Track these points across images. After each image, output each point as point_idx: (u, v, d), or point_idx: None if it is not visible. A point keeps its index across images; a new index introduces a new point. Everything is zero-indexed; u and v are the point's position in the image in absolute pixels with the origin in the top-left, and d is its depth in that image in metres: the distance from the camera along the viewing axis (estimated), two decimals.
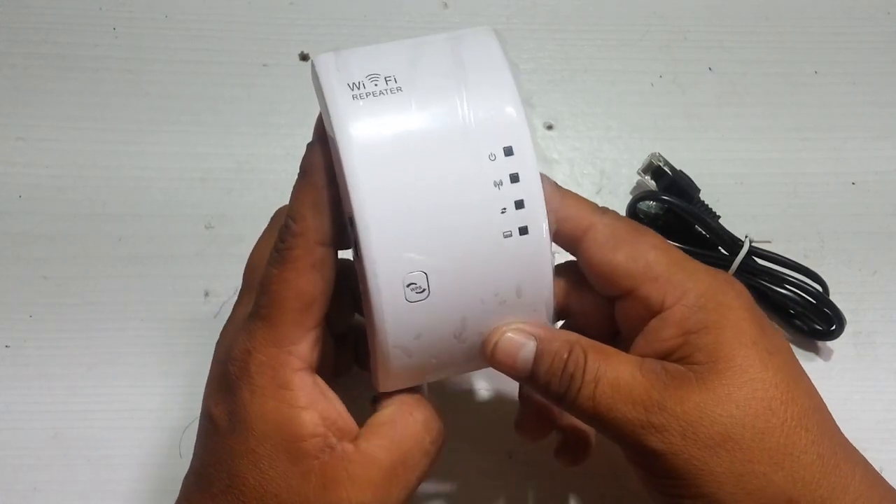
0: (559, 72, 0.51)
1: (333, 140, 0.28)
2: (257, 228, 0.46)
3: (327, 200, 0.29)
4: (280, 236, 0.30)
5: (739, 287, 0.31)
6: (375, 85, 0.28)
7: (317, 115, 0.52)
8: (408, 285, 0.28)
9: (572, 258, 0.33)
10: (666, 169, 0.46)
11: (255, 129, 0.49)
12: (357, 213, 0.28)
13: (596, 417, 0.30)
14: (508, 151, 0.28)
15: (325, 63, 0.29)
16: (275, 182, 0.48)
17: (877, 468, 0.31)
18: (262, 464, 0.29)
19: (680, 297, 0.30)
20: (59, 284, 0.45)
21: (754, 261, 0.44)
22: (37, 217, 0.46)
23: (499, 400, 0.43)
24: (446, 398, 0.43)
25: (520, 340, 0.30)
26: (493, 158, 0.28)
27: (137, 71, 0.50)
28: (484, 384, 0.43)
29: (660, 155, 0.46)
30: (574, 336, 0.31)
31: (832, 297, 0.43)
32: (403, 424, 0.31)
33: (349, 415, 0.31)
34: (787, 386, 0.29)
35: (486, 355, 0.31)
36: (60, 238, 0.46)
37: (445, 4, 0.53)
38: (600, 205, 0.33)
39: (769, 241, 0.46)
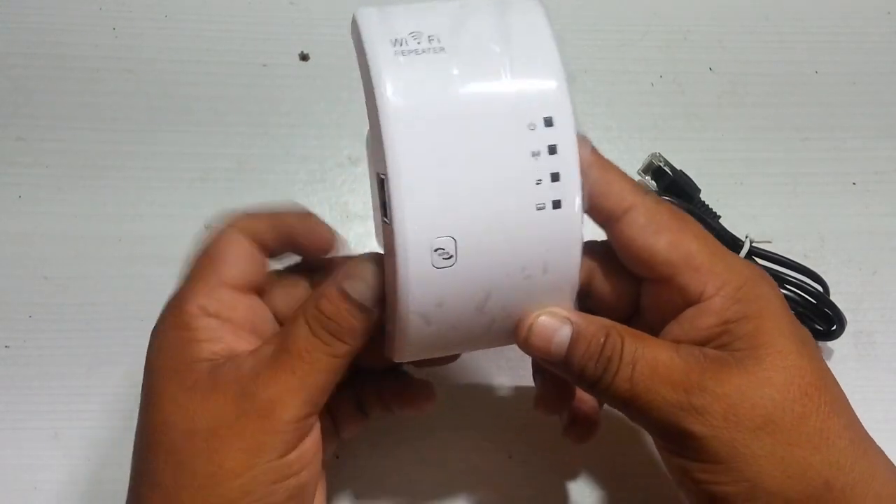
0: None
1: (371, 95, 0.28)
2: None
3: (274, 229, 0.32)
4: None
5: (771, 280, 0.31)
6: (418, 43, 0.28)
7: (316, 114, 0.52)
8: (435, 250, 0.27)
9: (595, 238, 0.33)
10: (666, 169, 0.46)
11: (255, 129, 0.49)
12: (391, 171, 0.27)
13: (633, 401, 0.29)
14: (549, 122, 0.28)
15: (368, 17, 0.28)
16: (275, 182, 0.48)
17: None
18: (154, 397, 0.29)
19: (720, 288, 0.30)
20: (59, 284, 0.45)
21: (755, 261, 0.44)
22: (37, 217, 0.46)
23: (499, 400, 0.43)
24: (447, 399, 0.43)
25: (555, 324, 0.30)
26: (532, 128, 0.28)
27: (137, 71, 0.50)
28: (484, 384, 0.43)
29: (660, 155, 0.46)
30: (609, 322, 0.30)
31: (832, 297, 0.43)
32: (294, 318, 0.30)
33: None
34: (820, 374, 0.30)
35: (519, 339, 0.30)
36: (60, 238, 0.46)
37: None
38: None
39: (769, 241, 0.46)
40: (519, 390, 0.43)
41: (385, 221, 0.28)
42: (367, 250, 0.46)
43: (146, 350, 0.31)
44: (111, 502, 0.41)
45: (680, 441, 0.29)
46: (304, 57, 0.51)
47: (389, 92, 0.27)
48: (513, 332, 0.30)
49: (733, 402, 0.28)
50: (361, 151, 0.49)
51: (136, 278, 0.45)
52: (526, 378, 0.38)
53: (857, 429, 0.30)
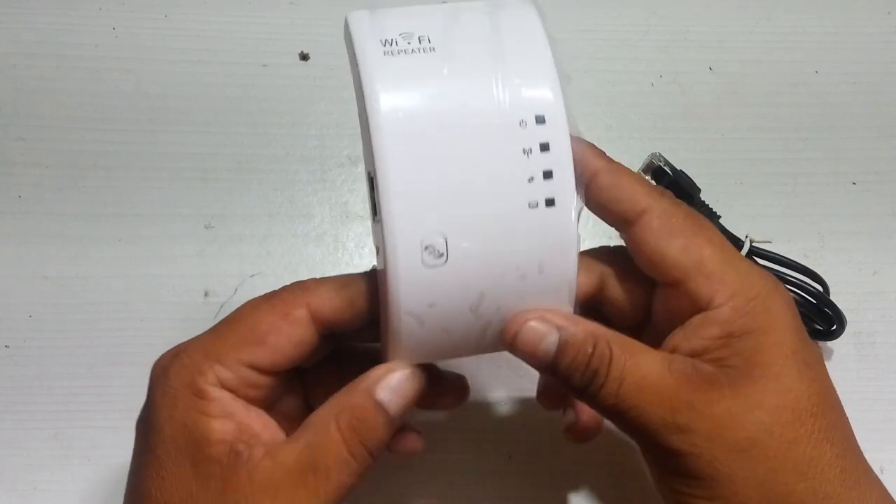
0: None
1: (361, 94, 0.28)
2: (257, 228, 0.47)
3: (351, 295, 0.30)
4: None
5: (786, 294, 0.30)
6: (408, 43, 0.28)
7: (316, 114, 0.52)
8: (425, 248, 0.27)
9: (607, 244, 0.33)
10: (666, 169, 0.46)
11: (255, 129, 0.49)
12: (379, 169, 0.27)
13: (617, 414, 0.29)
14: (540, 120, 0.28)
15: (359, 19, 0.29)
16: (275, 182, 0.48)
17: (877, 468, 0.31)
18: (164, 471, 0.28)
19: (729, 298, 0.29)
20: (59, 284, 0.45)
21: (755, 261, 0.44)
22: (37, 217, 0.46)
23: (498, 400, 0.43)
24: None
25: (542, 331, 0.29)
26: (523, 126, 0.27)
27: (137, 71, 0.50)
28: (484, 384, 0.43)
29: (660, 155, 0.46)
30: (600, 329, 0.30)
31: (832, 297, 0.43)
32: (325, 428, 0.28)
33: (281, 431, 0.30)
34: (818, 398, 0.29)
35: (505, 342, 0.30)
36: (60, 238, 0.46)
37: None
38: None
39: (769, 241, 0.46)
40: (519, 391, 0.43)
41: (376, 220, 0.28)
42: (366, 250, 0.46)
43: (149, 391, 0.30)
44: (111, 502, 0.41)
45: (662, 454, 0.29)
46: (304, 57, 0.51)
47: (378, 90, 0.27)
48: None
49: (720, 423, 0.28)
50: (361, 151, 0.49)
51: (136, 278, 0.45)
52: (527, 378, 0.38)
53: (852, 458, 0.29)
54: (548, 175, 0.28)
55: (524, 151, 0.27)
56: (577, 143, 0.29)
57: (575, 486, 0.41)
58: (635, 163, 0.47)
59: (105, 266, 0.45)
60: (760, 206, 0.48)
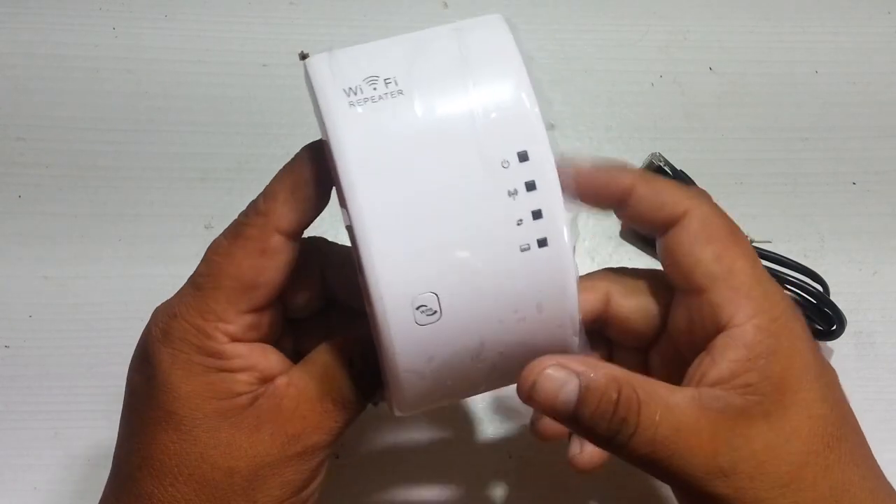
0: (559, 72, 0.51)
1: (330, 150, 0.26)
2: None
3: (306, 193, 0.29)
4: (246, 209, 0.30)
5: (801, 316, 0.30)
6: (374, 89, 0.26)
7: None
8: (417, 308, 0.26)
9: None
10: (666, 169, 0.46)
11: (255, 129, 0.49)
12: (358, 231, 0.26)
13: (652, 463, 0.27)
14: (523, 157, 0.26)
15: (319, 66, 0.27)
16: None
17: None
18: (184, 425, 0.28)
19: (752, 316, 0.28)
20: (59, 284, 0.45)
21: None
22: (37, 217, 0.46)
23: (499, 400, 0.43)
24: None
25: (560, 378, 0.27)
26: (506, 166, 0.26)
27: (137, 71, 0.50)
28: None
29: (660, 155, 0.46)
30: (619, 371, 0.27)
31: (832, 297, 0.43)
32: (340, 363, 0.30)
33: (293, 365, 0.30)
34: (841, 422, 0.28)
35: (521, 394, 0.28)
36: (60, 238, 0.46)
37: (445, 4, 0.53)
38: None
39: (769, 241, 0.46)
40: None
41: (361, 279, 0.27)
42: None
43: (149, 355, 0.30)
44: None
45: (702, 500, 0.28)
46: (304, 57, 0.51)
47: (348, 147, 0.26)
48: (516, 372, 0.28)
49: (761, 460, 0.27)
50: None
51: (136, 278, 0.45)
52: None
53: (875, 478, 0.29)
54: (537, 215, 0.26)
55: (509, 194, 0.26)
56: (605, 168, 0.29)
57: (575, 486, 0.41)
58: (635, 163, 0.47)
59: (105, 266, 0.45)
60: (760, 206, 0.48)
